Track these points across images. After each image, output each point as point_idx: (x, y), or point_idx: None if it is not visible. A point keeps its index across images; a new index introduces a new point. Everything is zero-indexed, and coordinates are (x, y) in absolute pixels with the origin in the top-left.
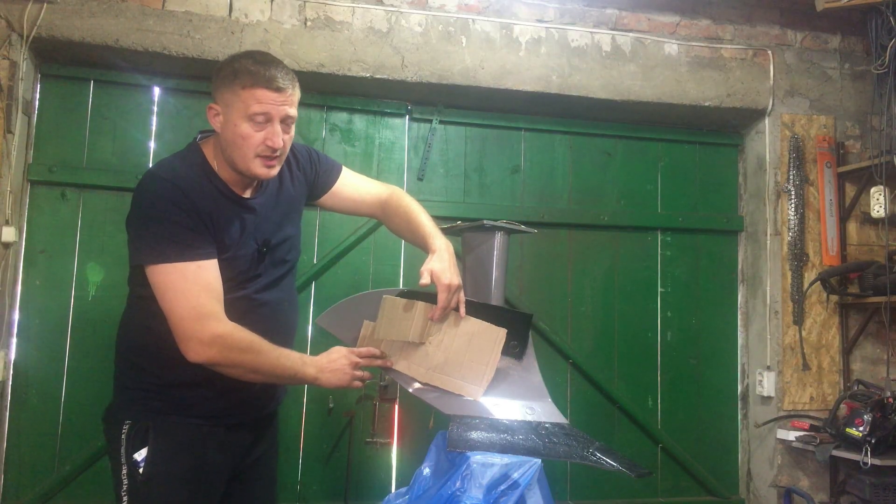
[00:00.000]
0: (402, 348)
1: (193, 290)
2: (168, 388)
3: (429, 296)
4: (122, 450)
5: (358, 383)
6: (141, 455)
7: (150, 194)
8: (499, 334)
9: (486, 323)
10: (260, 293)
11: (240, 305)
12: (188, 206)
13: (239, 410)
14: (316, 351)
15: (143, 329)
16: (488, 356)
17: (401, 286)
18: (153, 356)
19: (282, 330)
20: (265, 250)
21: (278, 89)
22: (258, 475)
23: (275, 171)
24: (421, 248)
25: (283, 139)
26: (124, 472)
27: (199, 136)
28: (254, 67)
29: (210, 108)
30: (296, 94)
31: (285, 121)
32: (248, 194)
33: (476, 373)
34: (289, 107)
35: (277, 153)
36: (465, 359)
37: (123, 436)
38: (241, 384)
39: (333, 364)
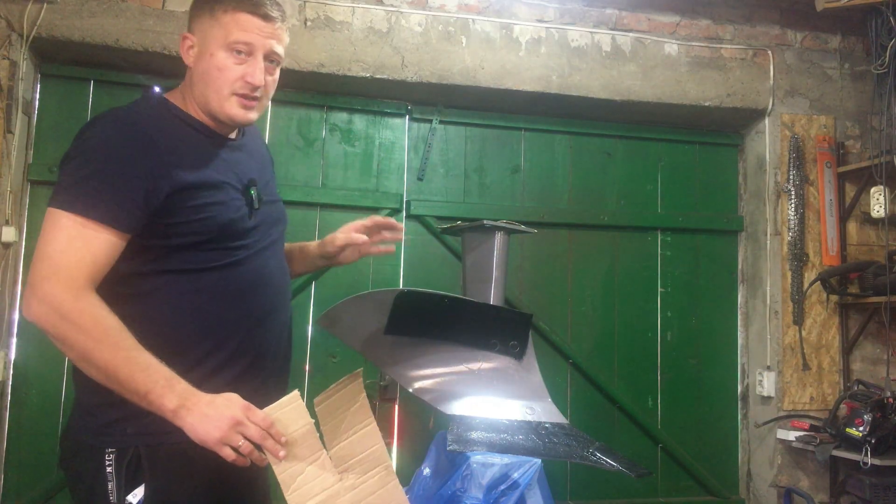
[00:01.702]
0: (312, 452)
1: (80, 250)
2: None
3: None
4: (111, 487)
5: (229, 451)
6: (136, 497)
7: (98, 134)
8: None
9: (405, 497)
10: (259, 257)
11: (238, 279)
12: (140, 147)
13: None
14: (316, 351)
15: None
16: None
17: (401, 286)
18: None
19: (287, 323)
20: (252, 192)
21: (265, 17)
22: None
23: (253, 116)
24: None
25: (265, 78)
26: None
27: (153, 91)
28: None
29: (185, 39)
30: (284, 29)
31: (270, 57)
32: (231, 136)
33: None
34: (275, 42)
35: (257, 93)
36: None
37: (110, 469)
38: (242, 381)
39: (210, 408)
